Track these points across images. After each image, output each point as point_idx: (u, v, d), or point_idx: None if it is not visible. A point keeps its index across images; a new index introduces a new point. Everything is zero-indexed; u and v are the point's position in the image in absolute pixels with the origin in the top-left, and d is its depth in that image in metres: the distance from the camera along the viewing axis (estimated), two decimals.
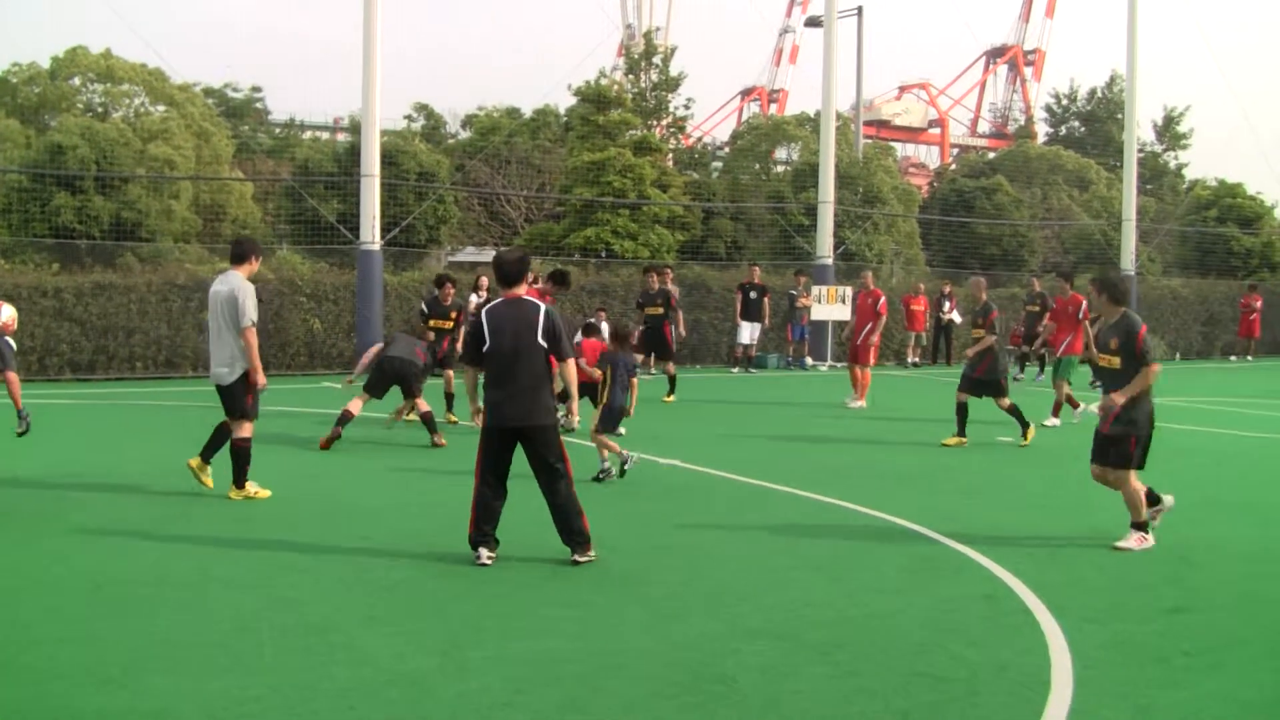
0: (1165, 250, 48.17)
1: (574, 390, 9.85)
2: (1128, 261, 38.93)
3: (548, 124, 47.76)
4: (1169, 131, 66.69)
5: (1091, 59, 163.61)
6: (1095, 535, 10.85)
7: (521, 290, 9.40)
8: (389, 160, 31.92)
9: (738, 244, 39.45)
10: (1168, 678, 7.03)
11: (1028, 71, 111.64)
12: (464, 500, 9.79)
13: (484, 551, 9.25)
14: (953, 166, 65.97)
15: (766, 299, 28.54)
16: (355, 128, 34.16)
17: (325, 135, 61.31)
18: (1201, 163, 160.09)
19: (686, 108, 47.41)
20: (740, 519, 11.33)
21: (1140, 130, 52.98)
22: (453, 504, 11.50)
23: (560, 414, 10.80)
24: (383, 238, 26.81)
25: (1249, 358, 39.31)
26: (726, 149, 52.47)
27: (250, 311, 11.54)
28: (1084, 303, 18.05)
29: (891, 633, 7.74)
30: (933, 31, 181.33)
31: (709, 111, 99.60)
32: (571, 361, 9.47)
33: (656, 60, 47.24)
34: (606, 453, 13.35)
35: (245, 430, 11.80)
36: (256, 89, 52.26)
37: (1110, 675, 7.01)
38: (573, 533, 9.32)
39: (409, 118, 53.53)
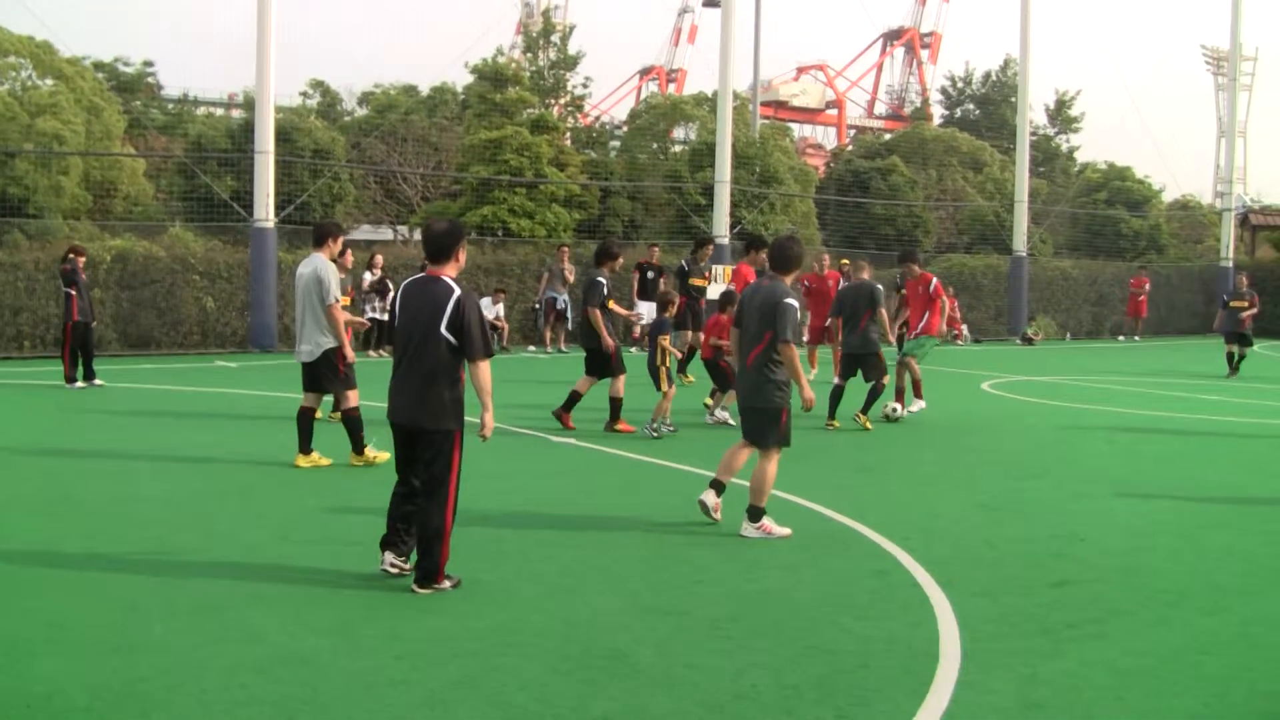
0: (1056, 232, 48.91)
1: (486, 398, 8.11)
2: (1020, 243, 39.51)
3: (445, 102, 47.45)
4: (1061, 115, 67.67)
5: (987, 43, 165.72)
6: (983, 510, 11.03)
7: (448, 269, 8.14)
8: (284, 137, 31.55)
9: (635, 223, 39.44)
10: (1052, 648, 7.15)
11: (924, 54, 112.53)
12: (361, 479, 9.80)
13: (387, 555, 8.27)
14: (849, 147, 66.32)
15: (664, 279, 28.57)
16: (249, 104, 33.64)
17: (219, 111, 60.35)
18: (1092, 146, 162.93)
19: (585, 86, 47.41)
20: (636, 496, 11.36)
21: (1033, 113, 53.75)
22: (346, 486, 11.46)
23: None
24: (277, 215, 26.52)
25: (1136, 337, 40.11)
26: (624, 128, 52.38)
27: (334, 290, 12.15)
28: (934, 280, 17.91)
29: (784, 608, 7.81)
30: (830, 13, 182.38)
31: (607, 90, 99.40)
32: (484, 364, 7.99)
33: (555, 38, 47.12)
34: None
35: (352, 400, 12.43)
36: (149, 64, 50.99)
37: (996, 647, 7.13)
38: (423, 560, 7.98)
39: (305, 94, 52.99)
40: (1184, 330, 43.69)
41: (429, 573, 7.89)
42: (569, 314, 28.86)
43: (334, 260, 12.65)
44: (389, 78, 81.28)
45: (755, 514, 9.83)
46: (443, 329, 7.86)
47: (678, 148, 46.90)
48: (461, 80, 47.47)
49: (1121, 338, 40.73)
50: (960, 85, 75.13)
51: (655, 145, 46.39)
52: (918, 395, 17.97)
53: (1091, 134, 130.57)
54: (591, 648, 6.88)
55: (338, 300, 12.26)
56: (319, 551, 9.00)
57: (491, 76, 39.33)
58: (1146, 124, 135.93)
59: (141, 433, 14.58)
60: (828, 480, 12.50)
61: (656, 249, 29.32)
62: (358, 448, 12.48)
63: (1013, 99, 53.99)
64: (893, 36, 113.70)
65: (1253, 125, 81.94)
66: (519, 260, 30.50)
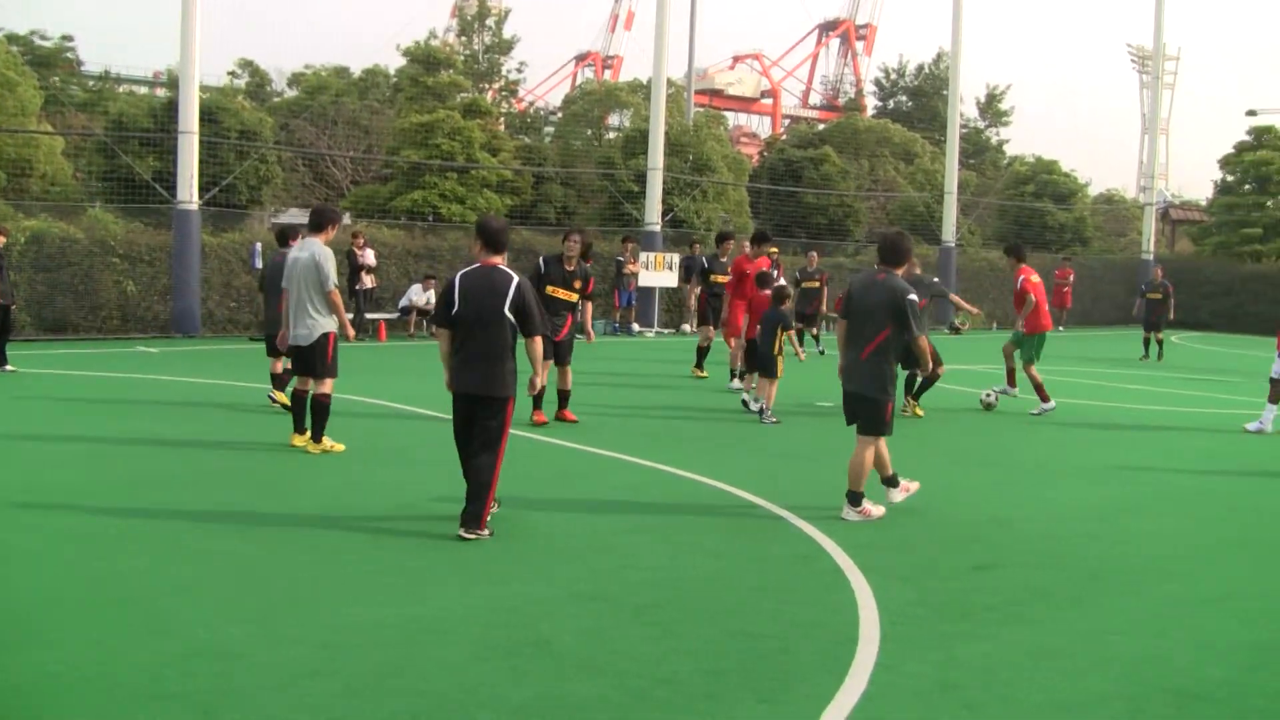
0: (985, 223, 49.32)
1: (538, 366, 9.63)
2: (949, 233, 39.78)
3: (377, 85, 47.13)
4: (991, 108, 68.30)
5: (921, 36, 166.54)
6: (907, 497, 11.04)
7: (500, 259, 9.34)
8: (209, 117, 31.09)
9: (568, 210, 39.35)
10: (971, 630, 7.24)
11: (859, 46, 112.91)
12: (286, 468, 9.70)
13: (463, 530, 9.03)
14: (783, 136, 66.53)
15: (588, 265, 28.47)
16: (174, 83, 33.15)
17: (143, 90, 59.40)
18: (1021, 140, 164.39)
19: (519, 71, 47.31)
20: (566, 484, 11.33)
21: (964, 106, 54.25)
22: (271, 472, 11.33)
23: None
24: (201, 197, 26.15)
25: (1060, 328, 40.46)
26: (559, 114, 52.28)
27: (332, 275, 12.33)
28: (1021, 276, 17.80)
29: (709, 593, 7.83)
30: (767, 3, 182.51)
31: (543, 76, 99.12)
32: (538, 338, 9.33)
33: (490, 22, 46.91)
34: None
35: (327, 387, 12.44)
36: (67, 38, 49.74)
37: (916, 630, 7.20)
38: (470, 505, 9.05)
39: (232, 74, 52.44)
40: (1107, 321, 44.20)
41: (475, 517, 8.98)
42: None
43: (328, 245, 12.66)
44: (320, 59, 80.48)
45: (855, 499, 10.16)
46: (506, 310, 9.07)
47: (612, 134, 46.85)
48: (394, 63, 47.15)
49: None
50: (894, 77, 75.59)
51: (589, 132, 46.33)
52: (1010, 386, 18.21)
53: (1021, 128, 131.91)
54: (515, 635, 6.85)
55: (336, 285, 12.42)
56: (241, 541, 8.88)
57: (424, 60, 39.10)
58: (1074, 119, 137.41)
59: (56, 419, 14.34)
60: (755, 467, 12.52)
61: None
62: (318, 435, 12.39)
63: (944, 92, 54.29)
64: (828, 27, 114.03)
65: (1175, 123, 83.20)
66: (450, 245, 30.28)
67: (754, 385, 16.70)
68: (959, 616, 7.50)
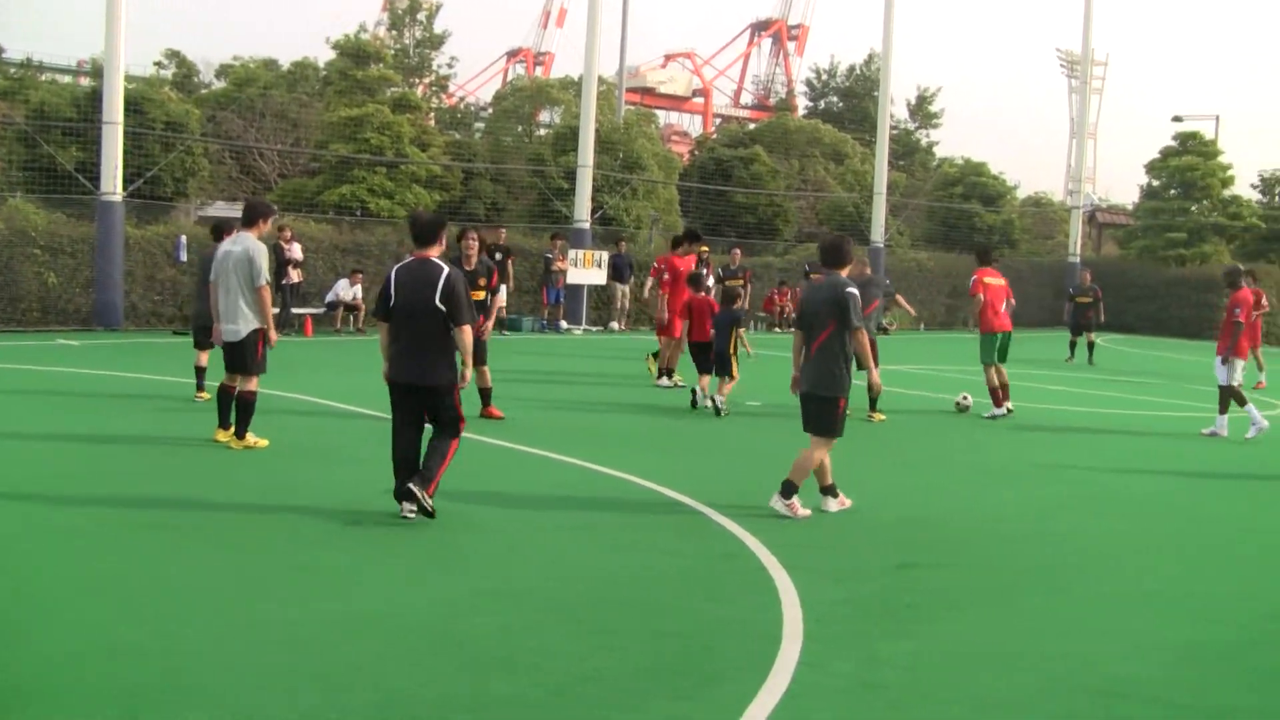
0: (914, 224, 49.61)
1: (468, 356, 9.61)
2: (878, 234, 39.97)
3: (306, 77, 46.73)
4: (921, 110, 68.74)
5: (852, 37, 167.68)
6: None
7: (433, 251, 9.52)
8: (134, 108, 30.65)
9: (497, 206, 39.19)
10: (894, 629, 7.23)
11: (791, 46, 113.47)
12: (208, 464, 9.56)
13: (406, 505, 9.28)
14: (714, 135, 66.67)
15: (511, 260, 28.51)
16: (98, 72, 32.68)
17: (66, 78, 58.55)
18: (951, 142, 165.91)
19: (450, 66, 47.04)
20: (491, 481, 11.22)
21: (894, 108, 54.56)
22: (194, 468, 11.17)
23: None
24: (125, 189, 25.77)
25: None
26: (489, 110, 52.09)
27: (264, 271, 12.12)
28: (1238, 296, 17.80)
29: (633, 591, 7.79)
30: (700, 2, 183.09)
31: (474, 71, 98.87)
32: (467, 327, 9.42)
33: (421, 17, 46.60)
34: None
35: (253, 384, 12.28)
36: None
37: (839, 628, 7.19)
38: (420, 476, 9.31)
39: (159, 65, 51.79)
40: (1034, 322, 44.52)
41: (427, 479, 9.30)
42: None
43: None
44: (248, 51, 79.83)
45: (788, 490, 10.19)
46: (437, 301, 9.23)
47: (542, 131, 46.73)
48: (323, 56, 46.74)
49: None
50: (825, 78, 75.86)
51: (520, 128, 46.20)
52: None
53: (951, 130, 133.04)
54: (435, 632, 6.78)
55: (267, 282, 12.20)
56: (162, 537, 8.73)
57: (354, 53, 38.76)
58: (1003, 122, 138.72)
59: None
60: (682, 465, 12.50)
61: (503, 230, 29.19)
62: (241, 431, 12.21)
63: (875, 93, 54.50)
64: (761, 27, 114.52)
65: (1102, 127, 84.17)
66: (377, 241, 30.02)
67: (709, 385, 16.89)
68: (884, 615, 7.50)
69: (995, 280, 18.08)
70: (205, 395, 14.56)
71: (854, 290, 10.15)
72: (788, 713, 5.82)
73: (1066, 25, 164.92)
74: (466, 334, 9.47)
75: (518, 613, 7.21)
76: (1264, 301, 25.10)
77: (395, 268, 9.61)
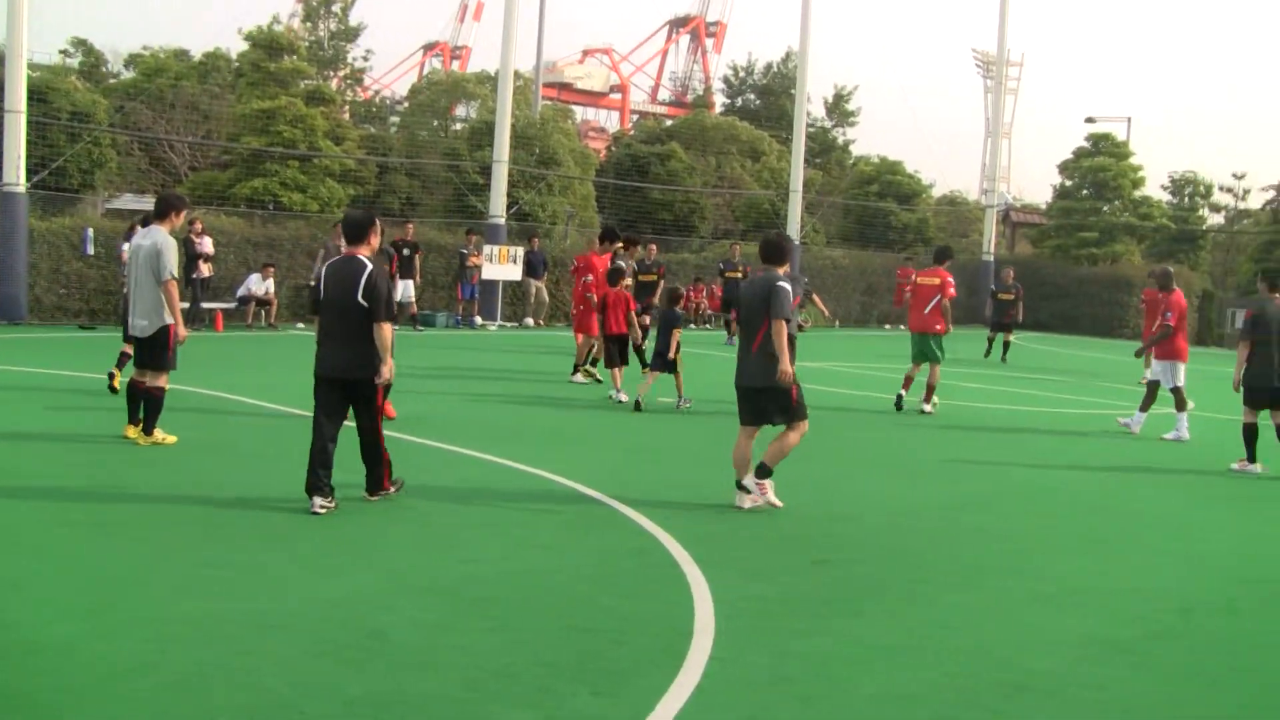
0: (829, 222, 49.90)
1: (386, 353, 9.67)
2: (793, 231, 40.17)
3: (218, 69, 46.10)
4: (838, 109, 69.04)
5: (770, 35, 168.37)
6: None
7: (363, 249, 9.75)
8: (38, 97, 30.09)
9: (412, 200, 38.96)
10: (807, 625, 7.29)
11: (709, 43, 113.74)
12: (118, 460, 9.39)
13: (317, 500, 9.40)
14: (631, 132, 66.70)
15: (419, 256, 28.47)
16: (0, 59, 31.98)
17: None
18: (867, 140, 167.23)
19: (365, 59, 46.68)
20: (407, 478, 11.07)
21: (811, 106, 54.84)
22: (103, 464, 11.00)
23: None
24: (29, 180, 25.31)
25: (902, 326, 41.04)
26: (405, 104, 51.77)
27: (171, 265, 11.92)
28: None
29: (547, 587, 7.79)
30: None
31: (390, 65, 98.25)
32: (385, 324, 9.56)
33: (335, 9, 46.19)
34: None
35: (162, 380, 12.11)
36: None
37: (751, 624, 7.24)
38: (368, 474, 9.87)
39: (65, 53, 50.77)
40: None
41: (377, 481, 9.83)
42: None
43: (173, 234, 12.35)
44: (159, 40, 78.72)
45: (764, 470, 10.40)
46: (359, 297, 9.46)
47: (458, 126, 46.52)
48: (235, 47, 46.13)
49: (888, 326, 41.74)
50: (742, 75, 76.04)
51: (436, 122, 45.93)
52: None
53: (867, 128, 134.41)
54: (350, 629, 6.74)
55: (174, 276, 11.98)
56: (74, 534, 8.61)
57: (267, 45, 38.30)
58: (919, 121, 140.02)
59: None
60: (597, 461, 12.53)
61: (411, 225, 29.12)
62: (149, 427, 12.03)
63: (792, 91, 54.77)
64: (679, 24, 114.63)
65: (1017, 127, 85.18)
66: (290, 235, 29.72)
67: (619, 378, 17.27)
68: (795, 610, 7.55)
69: (927, 280, 18.31)
70: (118, 378, 14.30)
71: (785, 284, 10.41)
72: (699, 707, 5.85)
73: (982, 26, 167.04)
74: (385, 330, 9.57)
75: (432, 608, 7.19)
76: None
77: (327, 263, 9.96)
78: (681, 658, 6.48)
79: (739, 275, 27.94)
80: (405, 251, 28.05)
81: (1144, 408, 17.07)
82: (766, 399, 10.52)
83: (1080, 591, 8.54)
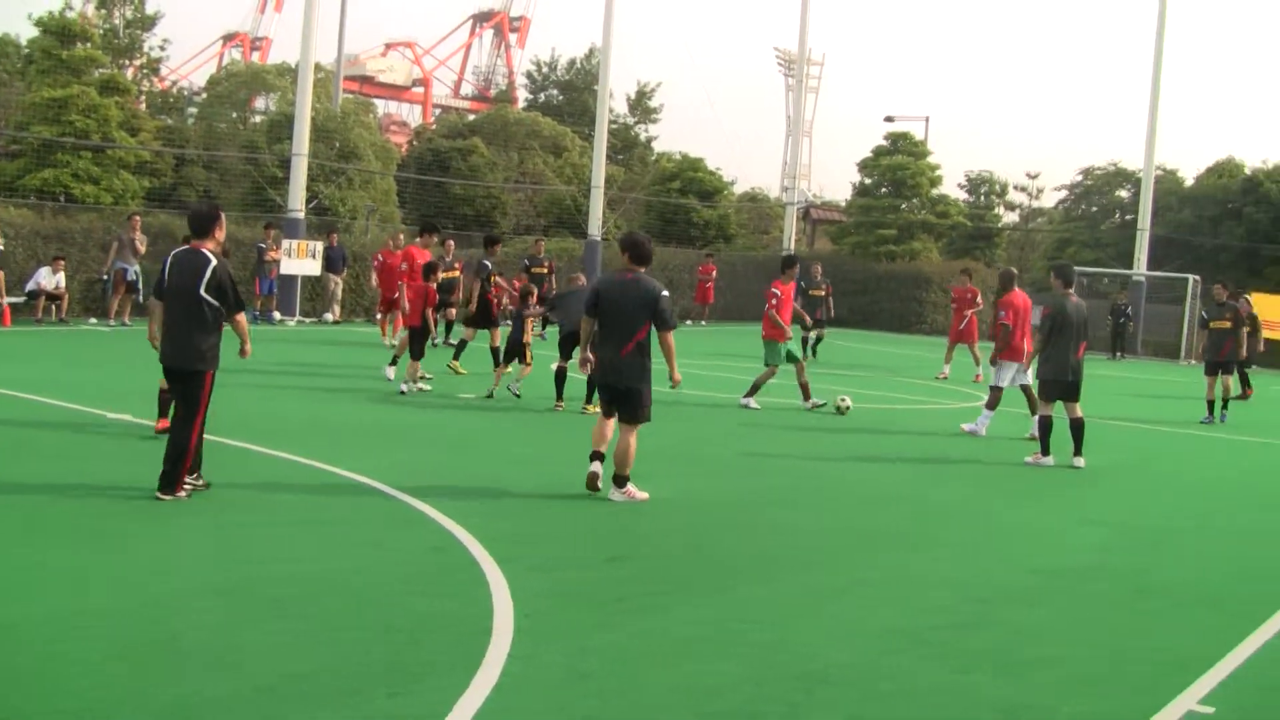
0: (631, 218, 50.20)
1: (244, 338, 10.39)
2: (595, 227, 40.36)
3: (6, 55, 44.63)
4: (640, 105, 69.46)
5: (574, 30, 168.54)
6: (545, 489, 11.24)
7: (207, 244, 10.09)
8: None
9: (210, 193, 38.14)
10: (605, 620, 7.40)
11: (513, 38, 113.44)
12: None
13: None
14: (433, 126, 66.22)
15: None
16: None
17: None
18: (669, 137, 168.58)
19: (162, 49, 45.37)
20: (208, 478, 10.93)
21: (613, 102, 55.11)
22: None
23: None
24: None
25: (703, 322, 41.66)
26: (204, 95, 50.62)
27: None
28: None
29: (343, 587, 7.77)
30: None
31: (188, 55, 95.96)
32: (239, 315, 10.19)
33: None
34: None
35: None
36: None
37: (550, 621, 7.32)
38: (168, 468, 9.85)
39: None
40: (749, 316, 45.62)
41: (171, 481, 9.77)
42: (140, 286, 27.58)
43: None
44: None
45: (621, 481, 10.95)
46: (202, 291, 9.83)
47: (258, 118, 45.71)
48: (25, 33, 44.70)
49: (689, 322, 42.22)
50: (546, 71, 76.07)
51: (235, 114, 45.06)
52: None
53: (669, 125, 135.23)
54: (150, 632, 6.67)
55: None
56: None
57: (59, 31, 37.08)
58: (720, 119, 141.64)
59: None
60: (397, 458, 12.48)
61: None
62: None
63: (595, 87, 55.04)
64: (482, 18, 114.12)
65: (818, 125, 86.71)
66: (82, 228, 28.86)
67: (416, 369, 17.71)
68: (593, 607, 7.65)
69: (788, 289, 19.14)
70: None
71: (667, 294, 11.09)
72: (497, 706, 5.91)
73: (784, 25, 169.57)
74: (240, 319, 10.21)
75: (228, 610, 7.14)
76: (978, 300, 26.29)
77: (172, 253, 10.29)
78: (480, 656, 6.52)
79: (544, 271, 28.06)
80: None
81: (990, 406, 17.27)
82: (626, 399, 11.07)
83: (879, 584, 8.78)
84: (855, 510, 11.52)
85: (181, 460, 9.83)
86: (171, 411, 10.41)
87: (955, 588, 8.80)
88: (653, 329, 11.07)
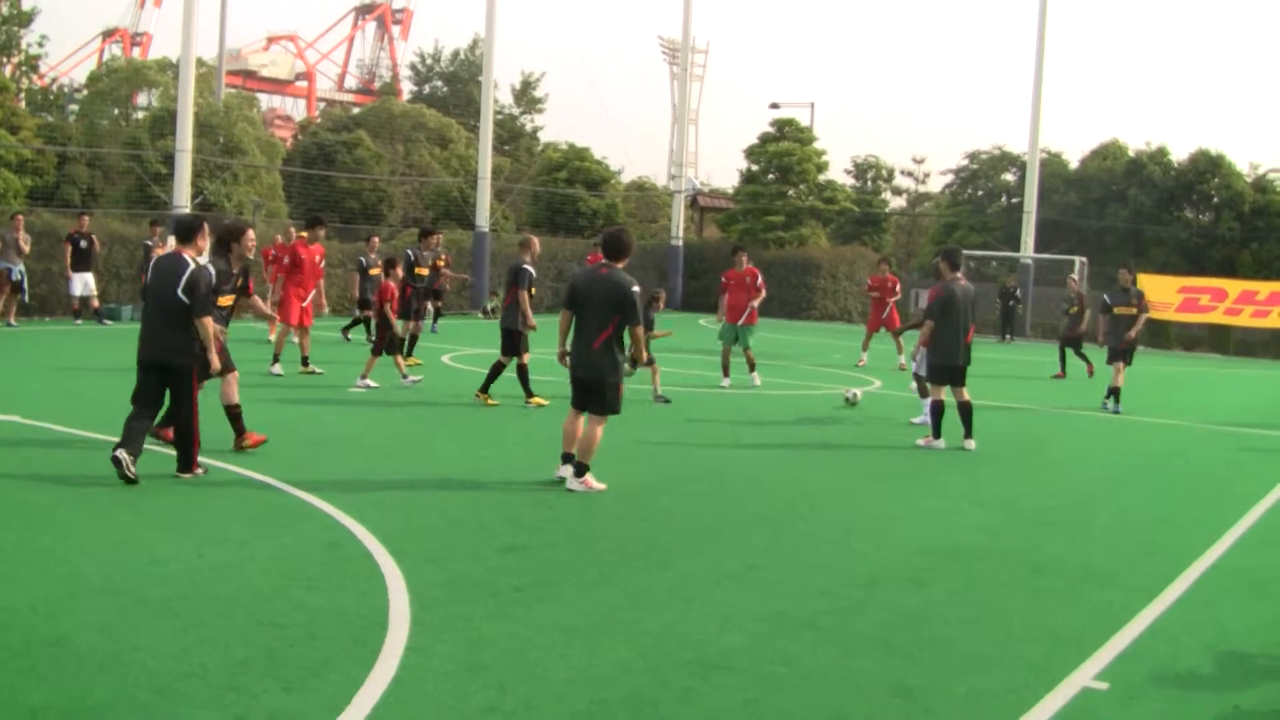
0: (519, 209, 50.14)
1: (209, 343, 10.83)
2: (483, 219, 40.22)
3: None
4: (525, 96, 69.35)
5: (457, 22, 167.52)
6: (437, 481, 11.25)
7: (188, 249, 10.88)
8: None
9: (93, 191, 37.55)
10: (499, 610, 7.41)
11: (396, 30, 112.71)
12: None
13: (121, 451, 10.37)
14: (318, 120, 65.60)
15: (96, 247, 27.71)
16: None
17: None
18: (555, 127, 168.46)
19: (41, 45, 44.47)
20: (77, 473, 10.82)
21: (498, 93, 54.97)
22: None
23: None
24: None
25: None
26: (84, 92, 49.73)
27: None
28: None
29: (234, 584, 7.70)
30: None
31: (67, 51, 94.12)
32: (204, 319, 10.70)
33: None
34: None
35: None
36: None
37: (445, 612, 7.32)
38: (180, 453, 10.88)
39: None
40: None
41: (186, 462, 10.82)
42: (25, 286, 27.05)
43: None
44: None
45: (581, 470, 11.22)
46: (179, 292, 10.55)
47: (140, 114, 45.03)
48: None
49: None
50: (430, 62, 75.73)
51: (116, 111, 44.39)
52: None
53: (554, 115, 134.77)
54: (32, 635, 6.56)
55: None
56: None
57: None
58: (606, 108, 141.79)
59: None
60: (288, 452, 12.35)
61: (86, 218, 28.36)
62: None
63: (480, 78, 54.82)
64: (365, 11, 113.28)
65: (704, 113, 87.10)
66: None
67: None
68: (488, 597, 7.66)
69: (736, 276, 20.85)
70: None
71: (637, 289, 11.24)
72: (394, 699, 5.91)
73: (668, 13, 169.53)
74: (205, 323, 10.72)
75: (117, 610, 7.05)
76: (897, 289, 26.61)
77: (158, 255, 11.30)
78: (376, 649, 6.52)
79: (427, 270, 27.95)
80: (83, 244, 27.29)
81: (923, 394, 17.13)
82: (594, 391, 11.34)
83: (769, 569, 8.84)
84: (745, 496, 11.58)
85: (191, 443, 10.78)
86: (162, 414, 11.26)
87: (846, 571, 8.88)
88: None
